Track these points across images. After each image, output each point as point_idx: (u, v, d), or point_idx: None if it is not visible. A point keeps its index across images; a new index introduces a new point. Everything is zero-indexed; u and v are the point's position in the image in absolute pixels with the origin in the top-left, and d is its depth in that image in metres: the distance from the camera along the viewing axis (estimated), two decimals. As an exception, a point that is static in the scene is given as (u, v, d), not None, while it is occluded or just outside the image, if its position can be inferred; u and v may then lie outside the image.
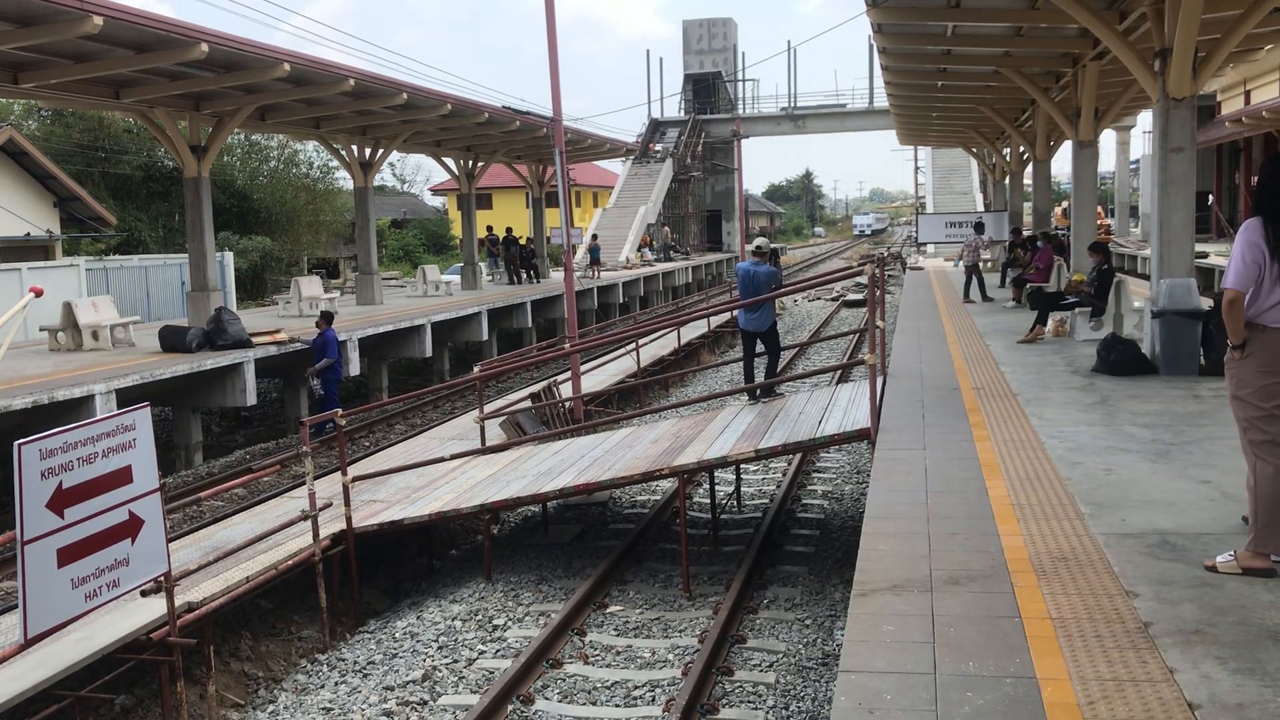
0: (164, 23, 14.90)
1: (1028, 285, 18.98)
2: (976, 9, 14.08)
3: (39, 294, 6.81)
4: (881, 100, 45.86)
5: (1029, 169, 27.57)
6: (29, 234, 28.78)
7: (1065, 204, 40.72)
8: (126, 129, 38.73)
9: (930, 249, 42.94)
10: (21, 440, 5.65)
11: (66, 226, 31.31)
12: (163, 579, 7.09)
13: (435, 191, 75.62)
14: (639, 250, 48.15)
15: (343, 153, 26.64)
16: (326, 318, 17.33)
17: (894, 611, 4.98)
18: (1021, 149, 28.51)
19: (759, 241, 13.34)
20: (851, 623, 4.94)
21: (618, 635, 8.95)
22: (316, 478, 9.96)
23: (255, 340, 17.41)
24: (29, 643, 5.86)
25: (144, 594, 7.27)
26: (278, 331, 17.41)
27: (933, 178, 59.33)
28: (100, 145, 38.56)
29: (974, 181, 55.80)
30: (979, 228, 24.19)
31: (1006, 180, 33.65)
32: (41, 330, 18.88)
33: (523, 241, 36.44)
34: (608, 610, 9.54)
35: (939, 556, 5.71)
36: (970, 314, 18.81)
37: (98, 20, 13.49)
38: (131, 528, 6.54)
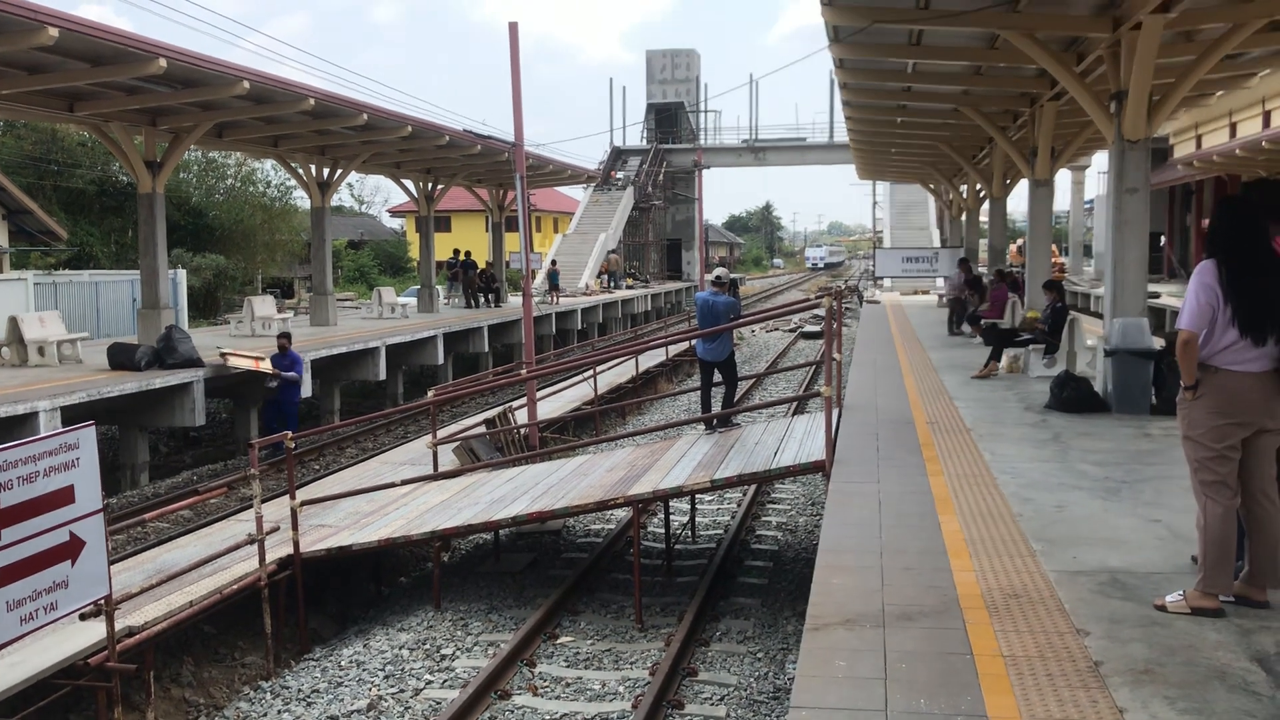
0: (121, 36, 14.71)
1: (982, 321, 19.15)
2: (937, 47, 14.25)
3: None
4: (842, 134, 46.25)
5: (985, 206, 27.92)
6: (-23, 246, 28.25)
7: (1021, 241, 41.29)
8: (81, 142, 38.20)
9: (887, 283, 43.31)
10: (-42, 458, 5.49)
11: (15, 239, 30.76)
12: (103, 602, 6.92)
13: (394, 213, 75.28)
14: (598, 277, 48.15)
15: (301, 172, 26.44)
16: (288, 338, 17.24)
17: (846, 646, 4.95)
18: (978, 186, 28.86)
19: (718, 272, 13.37)
20: (803, 657, 4.90)
21: (568, 666, 8.85)
22: (265, 500, 9.80)
23: (234, 364, 17.07)
24: (-41, 667, 5.69)
25: (83, 617, 7.10)
26: (260, 359, 17.00)
27: (891, 213, 59.94)
28: (53, 158, 37.99)
29: (931, 217, 56.44)
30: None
31: (963, 217, 34.03)
32: (-14, 344, 18.52)
33: (482, 265, 36.31)
34: (558, 641, 9.43)
35: (892, 591, 5.69)
36: (925, 348, 18.94)
37: (53, 31, 13.29)
38: (72, 549, 6.38)
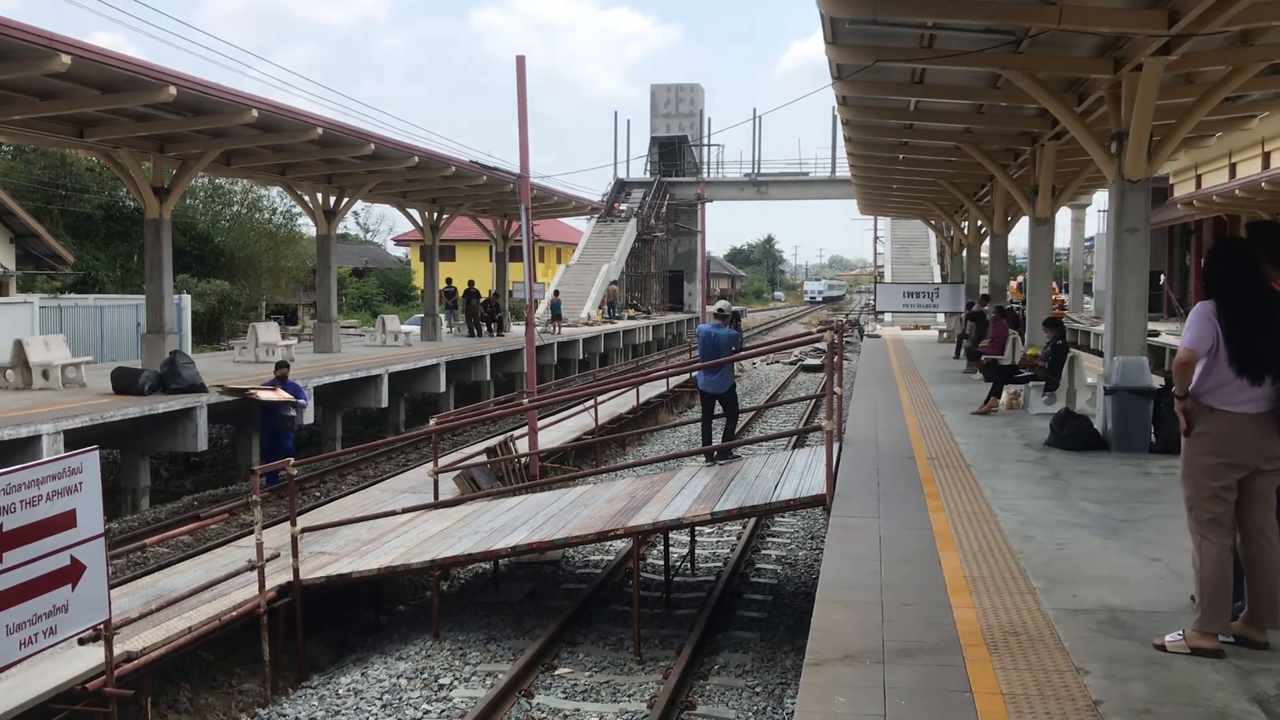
0: (132, 64, 14.85)
1: (983, 357, 19.21)
2: (939, 85, 14.37)
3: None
4: (844, 170, 46.48)
5: (986, 243, 28.02)
6: (-18, 269, 28.37)
7: (1021, 278, 41.37)
8: (89, 167, 38.41)
9: (888, 317, 43.42)
10: (-37, 481, 5.53)
11: (22, 263, 30.89)
12: (102, 627, 6.93)
13: (399, 241, 75.62)
14: (600, 308, 48.27)
15: (307, 200, 26.58)
16: (286, 367, 17.14)
17: (846, 683, 4.96)
18: (979, 223, 28.97)
19: (721, 304, 13.43)
20: (803, 693, 4.91)
21: (566, 698, 8.83)
22: (266, 527, 9.80)
23: (260, 397, 16.46)
24: (-41, 690, 5.69)
25: (82, 642, 7.09)
26: (275, 388, 16.63)
27: (892, 248, 60.16)
28: (61, 183, 38.20)
29: (932, 253, 56.63)
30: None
31: (964, 253, 34.14)
32: (-10, 367, 18.56)
33: (485, 295, 36.41)
34: (557, 672, 9.41)
35: (892, 627, 5.70)
36: (926, 383, 18.98)
37: (66, 59, 13.42)
38: (73, 573, 6.40)
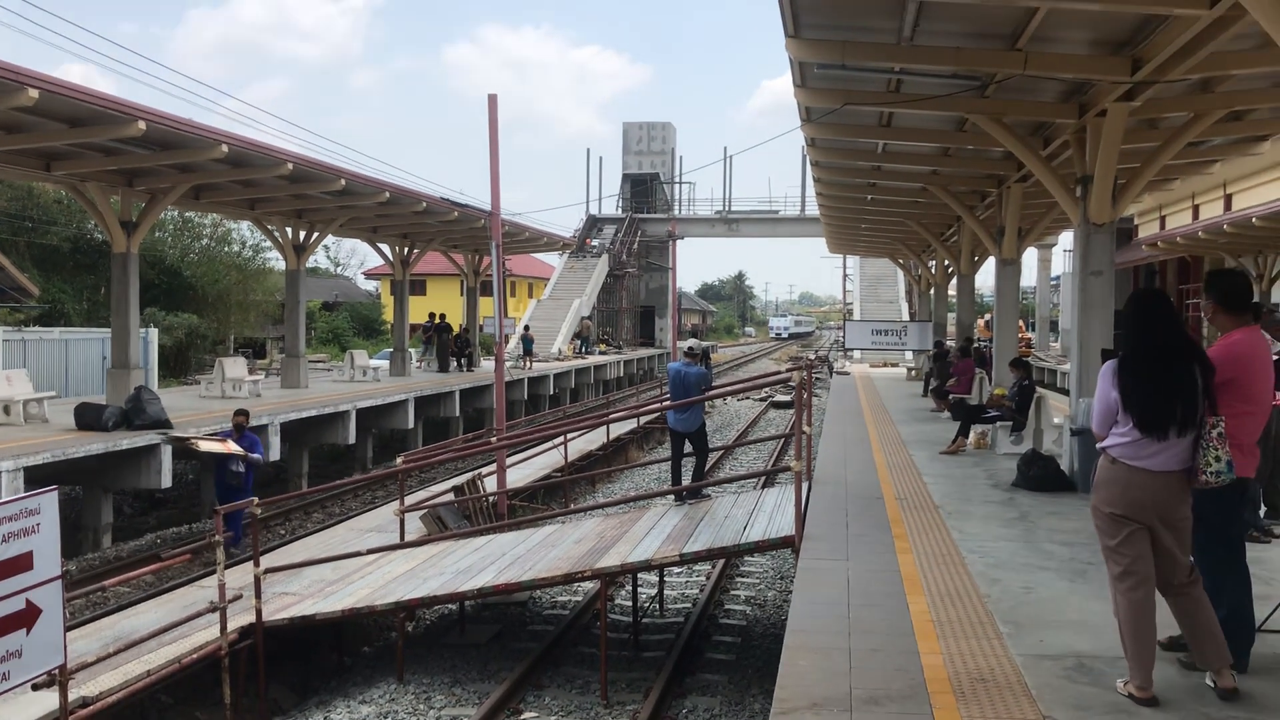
0: (101, 99, 14.78)
1: (950, 396, 19.31)
2: (907, 129, 14.52)
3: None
4: (813, 208, 46.76)
5: (954, 281, 28.26)
6: (-56, 301, 28.03)
7: (988, 316, 41.72)
8: (57, 199, 38.10)
9: (857, 354, 43.63)
10: (-84, 524, 5.41)
11: (-15, 296, 30.57)
12: (57, 672, 6.77)
13: (369, 275, 75.39)
14: (572, 343, 48.26)
15: (277, 235, 26.45)
16: (245, 415, 15.62)
17: (813, 731, 4.92)
18: (946, 263, 29.23)
19: (691, 343, 13.45)
20: (770, 742, 4.87)
21: (532, 742, 8.72)
22: (229, 566, 9.68)
23: (203, 448, 15.20)
24: (-93, 740, 5.55)
25: (35, 688, 6.94)
26: (227, 440, 15.65)
27: (861, 285, 60.61)
28: (28, 215, 37.87)
29: (900, 291, 57.11)
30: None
31: (932, 291, 34.43)
32: (-51, 402, 18.29)
33: (456, 330, 36.31)
34: (522, 717, 9.31)
35: (859, 674, 5.67)
36: (894, 421, 19.04)
37: (33, 93, 13.33)
38: (28, 617, 6.26)
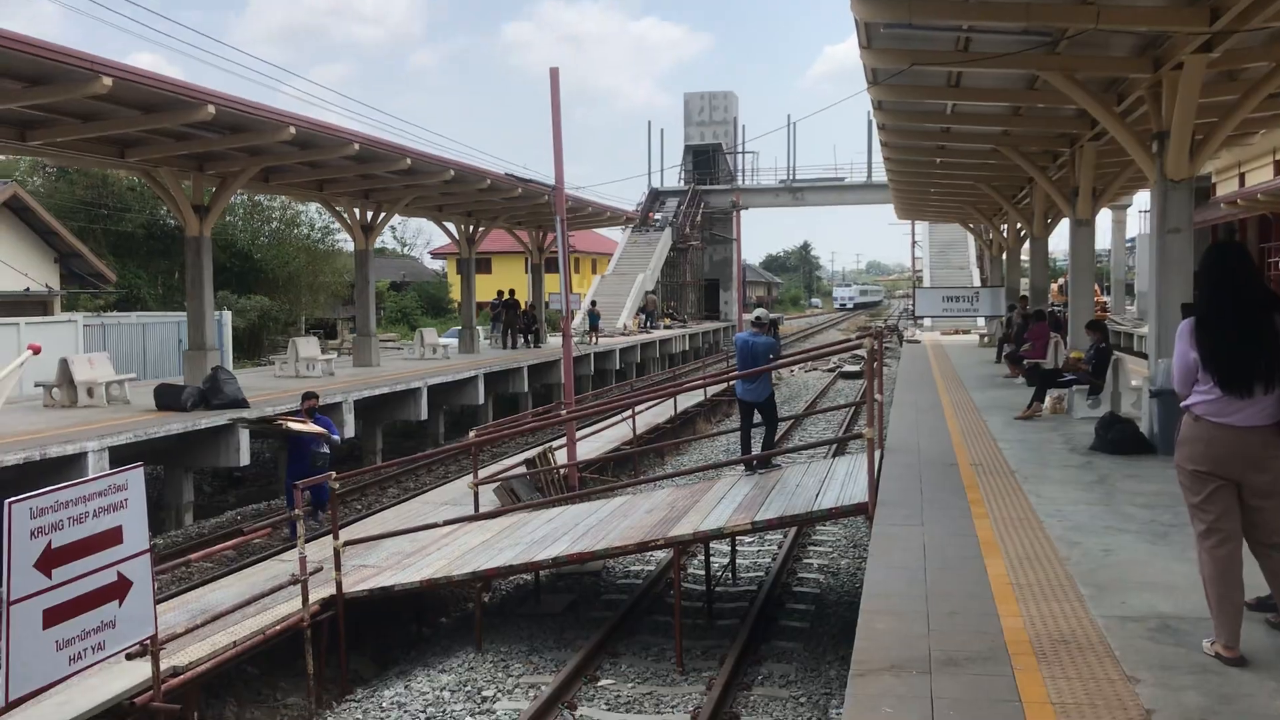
0: (172, 84, 15.04)
1: (1025, 361, 19.01)
2: (976, 89, 14.26)
3: (37, 351, 6.78)
4: (880, 174, 46.30)
5: (1026, 245, 27.77)
6: (28, 289, 28.84)
7: (1062, 280, 41.00)
8: (130, 187, 39.00)
9: (927, 322, 43.11)
10: (12, 499, 5.59)
11: (66, 282, 31.39)
12: (149, 642, 6.97)
13: (435, 255, 76.03)
14: (636, 317, 48.28)
15: (345, 215, 26.81)
16: (315, 398, 15.26)
17: (893, 693, 4.90)
18: (1019, 226, 28.74)
19: (758, 313, 13.38)
20: (850, 704, 4.85)
21: (609, 710, 8.80)
22: (308, 540, 9.86)
23: (294, 429, 14.63)
24: (9, 706, 5.74)
25: (129, 657, 7.14)
26: (306, 421, 15.52)
27: (930, 252, 59.73)
28: (104, 202, 38.81)
29: (971, 256, 56.19)
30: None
31: (1004, 256, 33.87)
32: (37, 386, 18.83)
33: (523, 306, 36.52)
34: (599, 684, 9.39)
35: (938, 637, 5.63)
36: (967, 389, 18.81)
37: (107, 81, 13.62)
38: (120, 589, 6.44)
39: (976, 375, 21.58)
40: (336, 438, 15.23)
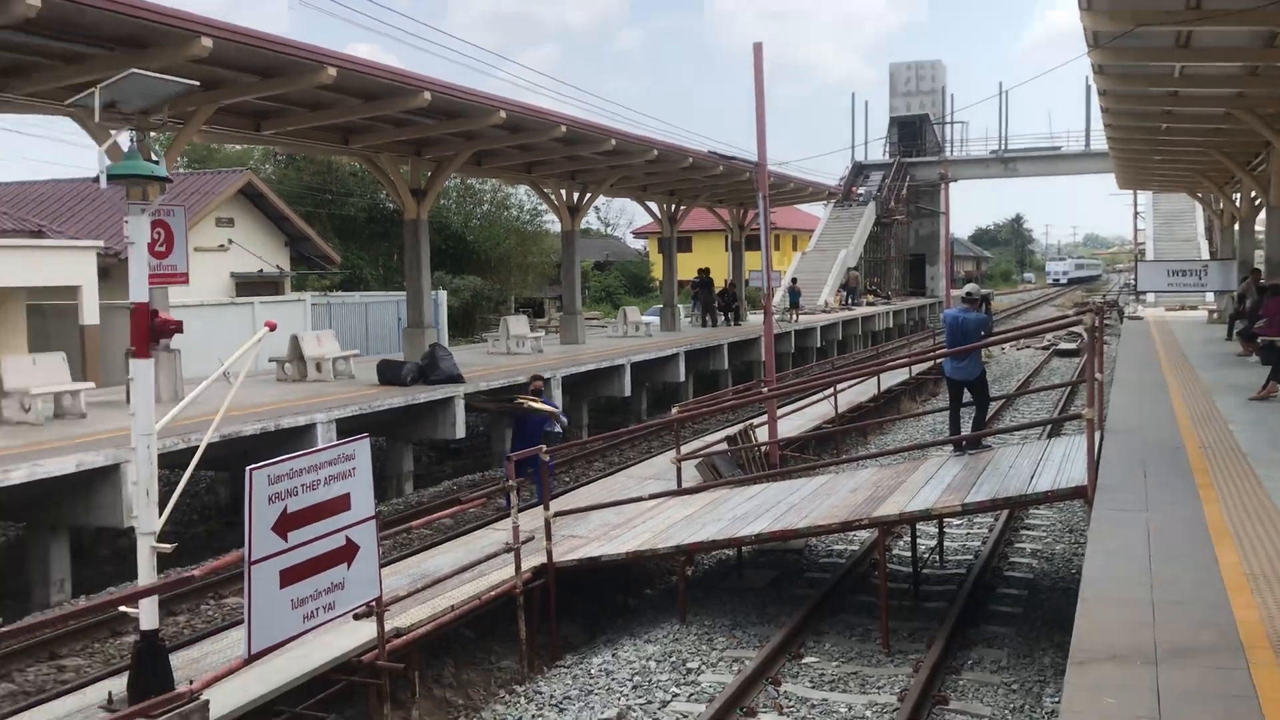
0: (390, 73, 15.76)
1: (1259, 339, 17.76)
2: (1207, 49, 13.40)
3: (273, 328, 7.22)
4: (1098, 143, 44.06)
5: (1261, 215, 25.91)
6: (261, 270, 30.86)
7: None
8: (352, 172, 41.14)
9: (1150, 298, 40.80)
10: (253, 465, 6.00)
11: (295, 264, 33.42)
12: (374, 604, 7.37)
13: (637, 234, 76.94)
14: (838, 294, 47.59)
15: (552, 197, 27.48)
16: (543, 380, 15.76)
17: (1114, 683, 4.70)
18: (1254, 194, 26.83)
19: (970, 288, 12.98)
20: (1069, 692, 4.69)
21: (814, 688, 8.77)
22: (520, 511, 10.21)
23: (535, 407, 14.71)
24: (252, 658, 6.19)
25: (356, 617, 7.57)
26: (537, 399, 15.81)
27: (1154, 224, 56.41)
28: (328, 188, 41.07)
29: (1199, 228, 52.80)
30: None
31: (1236, 227, 31.72)
32: (270, 361, 20.10)
33: (721, 285, 36.57)
34: (803, 661, 9.37)
35: (1163, 626, 5.36)
36: (1194, 368, 17.75)
37: (331, 71, 14.38)
38: (348, 553, 6.83)
39: (1204, 353, 20.31)
40: (565, 419, 15.53)
